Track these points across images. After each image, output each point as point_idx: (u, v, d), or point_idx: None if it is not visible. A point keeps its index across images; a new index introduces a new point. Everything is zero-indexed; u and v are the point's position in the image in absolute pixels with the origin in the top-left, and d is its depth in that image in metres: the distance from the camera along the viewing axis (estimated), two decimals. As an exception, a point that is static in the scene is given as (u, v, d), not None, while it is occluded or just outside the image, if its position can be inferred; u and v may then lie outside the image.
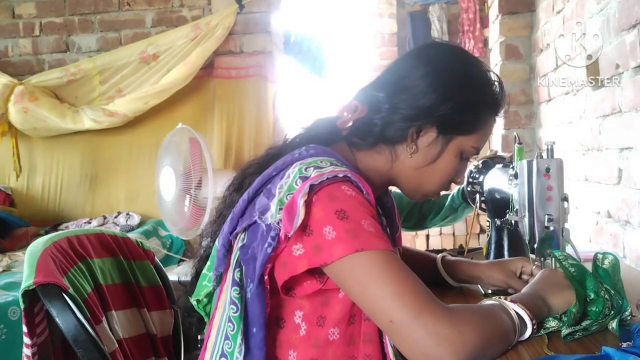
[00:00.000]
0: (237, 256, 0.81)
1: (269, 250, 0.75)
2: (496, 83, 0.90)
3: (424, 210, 1.65)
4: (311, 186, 0.74)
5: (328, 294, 0.80)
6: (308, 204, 0.73)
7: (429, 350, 0.67)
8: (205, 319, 0.91)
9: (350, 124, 0.88)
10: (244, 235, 0.80)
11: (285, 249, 0.75)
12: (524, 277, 1.02)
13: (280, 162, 0.83)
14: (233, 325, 0.79)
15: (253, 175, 0.87)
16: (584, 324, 0.82)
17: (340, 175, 0.76)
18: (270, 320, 0.81)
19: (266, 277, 0.77)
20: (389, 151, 0.89)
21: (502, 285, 1.02)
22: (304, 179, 0.75)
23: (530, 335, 0.77)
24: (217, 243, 0.85)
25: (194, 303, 0.90)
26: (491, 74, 0.90)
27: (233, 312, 0.79)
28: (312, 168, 0.77)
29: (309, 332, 0.81)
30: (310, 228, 0.73)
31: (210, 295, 0.89)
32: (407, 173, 0.90)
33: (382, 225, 0.87)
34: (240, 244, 0.80)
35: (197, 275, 0.92)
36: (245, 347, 0.78)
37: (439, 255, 1.13)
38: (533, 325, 0.76)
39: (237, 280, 0.79)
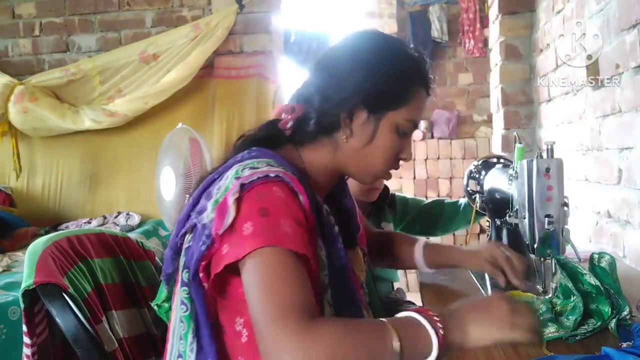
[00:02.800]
0: (184, 258, 0.83)
1: (203, 248, 0.77)
2: (416, 55, 0.92)
3: (434, 215, 1.65)
4: (242, 185, 0.76)
5: None
6: (238, 203, 0.75)
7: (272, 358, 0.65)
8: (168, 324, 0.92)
9: (290, 124, 0.91)
10: (190, 237, 0.83)
11: (218, 249, 0.76)
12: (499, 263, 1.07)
13: (222, 167, 0.85)
14: (184, 325, 0.81)
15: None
16: (586, 324, 0.81)
17: (272, 175, 0.78)
18: (216, 326, 0.82)
19: (201, 274, 0.78)
20: (329, 141, 0.91)
21: (478, 269, 1.11)
22: (238, 178, 0.78)
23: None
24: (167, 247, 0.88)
25: (155, 308, 0.93)
26: (411, 49, 0.93)
27: (183, 312, 0.81)
28: (247, 169, 0.79)
29: (251, 338, 0.80)
30: (234, 226, 0.74)
31: (169, 301, 0.91)
32: (350, 158, 0.91)
33: (329, 225, 0.88)
34: (186, 245, 0.83)
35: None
36: (197, 345, 0.80)
37: (422, 240, 1.16)
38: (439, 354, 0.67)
39: (186, 280, 0.82)
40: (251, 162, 0.81)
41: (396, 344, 0.66)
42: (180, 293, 0.82)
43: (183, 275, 0.82)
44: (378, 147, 0.89)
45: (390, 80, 0.88)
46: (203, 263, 0.77)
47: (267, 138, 0.92)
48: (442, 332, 0.67)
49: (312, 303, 0.71)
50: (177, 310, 0.83)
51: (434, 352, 0.66)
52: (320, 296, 0.82)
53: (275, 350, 0.65)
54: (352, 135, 0.89)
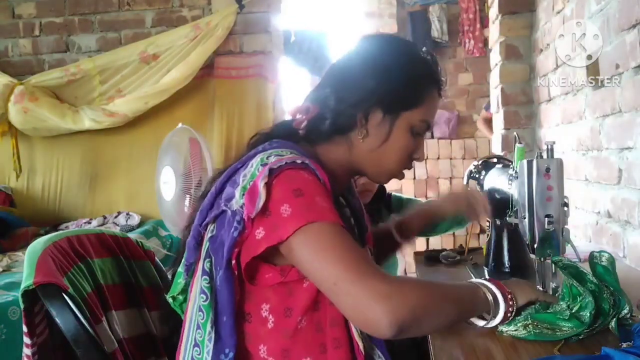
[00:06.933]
0: (207, 247, 0.84)
1: (235, 234, 0.79)
2: (428, 58, 0.95)
3: None
4: (270, 170, 0.79)
5: (291, 285, 0.83)
6: (268, 187, 0.78)
7: (369, 308, 0.70)
8: (182, 317, 0.92)
9: (305, 123, 0.94)
10: (213, 227, 0.85)
11: (250, 234, 0.78)
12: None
13: (244, 157, 0.88)
14: (203, 314, 0.82)
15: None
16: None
17: (299, 161, 0.81)
18: (238, 314, 0.83)
19: (233, 262, 0.80)
20: (344, 140, 0.93)
21: (453, 212, 1.16)
22: (265, 165, 0.81)
23: (503, 318, 0.84)
24: (189, 237, 0.89)
25: (170, 300, 0.93)
26: (423, 51, 0.96)
27: (203, 301, 0.82)
28: (273, 156, 0.83)
29: (277, 324, 0.83)
30: (269, 210, 0.77)
31: (185, 293, 0.91)
32: (365, 157, 0.94)
33: (346, 217, 0.93)
34: (209, 235, 0.85)
35: (174, 277, 0.95)
36: (215, 335, 0.81)
37: (393, 220, 1.19)
38: (509, 304, 0.84)
39: (207, 270, 0.83)
40: (275, 151, 0.84)
41: (489, 296, 0.83)
42: (200, 282, 0.84)
43: (205, 265, 0.84)
44: (392, 147, 0.92)
45: (404, 82, 0.91)
46: (236, 250, 0.80)
47: (282, 135, 0.95)
48: (510, 295, 0.86)
49: None
50: (196, 299, 0.84)
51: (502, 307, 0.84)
52: None
53: (370, 300, 0.69)
54: (368, 135, 0.92)
